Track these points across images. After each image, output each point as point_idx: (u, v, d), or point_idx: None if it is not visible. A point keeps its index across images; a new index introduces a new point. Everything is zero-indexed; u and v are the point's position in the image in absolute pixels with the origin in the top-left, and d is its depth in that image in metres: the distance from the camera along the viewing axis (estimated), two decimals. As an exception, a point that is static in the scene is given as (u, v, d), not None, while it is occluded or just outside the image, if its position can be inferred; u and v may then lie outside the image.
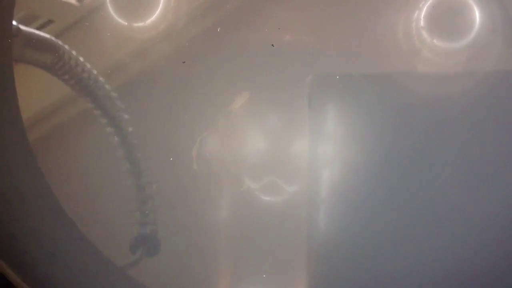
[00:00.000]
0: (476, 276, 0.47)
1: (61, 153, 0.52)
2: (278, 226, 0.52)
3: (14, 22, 0.49)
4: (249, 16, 0.53)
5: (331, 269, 0.50)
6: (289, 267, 0.52)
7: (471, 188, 0.49)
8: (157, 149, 0.53)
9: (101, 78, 0.52)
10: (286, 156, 0.53)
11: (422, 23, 0.51)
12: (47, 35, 0.51)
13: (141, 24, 0.52)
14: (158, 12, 0.51)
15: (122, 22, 0.51)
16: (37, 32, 0.51)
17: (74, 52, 0.51)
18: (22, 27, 0.49)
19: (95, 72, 0.52)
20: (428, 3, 0.51)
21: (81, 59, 0.52)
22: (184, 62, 0.50)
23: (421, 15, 0.51)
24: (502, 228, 0.48)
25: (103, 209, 0.52)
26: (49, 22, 0.53)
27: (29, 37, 0.49)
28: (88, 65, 0.52)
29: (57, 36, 0.52)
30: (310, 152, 0.52)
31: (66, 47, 0.51)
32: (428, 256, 0.48)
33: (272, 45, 0.51)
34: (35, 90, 0.52)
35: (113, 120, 0.52)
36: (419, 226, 0.49)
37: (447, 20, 0.51)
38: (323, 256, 0.50)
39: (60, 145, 0.53)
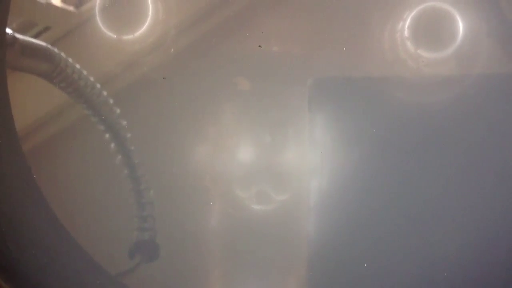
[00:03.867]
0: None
1: (59, 160, 0.53)
2: (269, 233, 0.53)
3: (9, 31, 0.49)
4: (236, 28, 0.53)
5: (321, 275, 0.51)
6: (278, 272, 0.53)
7: (463, 194, 0.49)
8: (154, 156, 0.54)
9: (98, 85, 0.52)
10: (275, 166, 0.54)
11: (406, 33, 0.51)
12: (43, 43, 0.51)
13: (130, 36, 0.52)
14: (146, 25, 0.52)
15: (111, 34, 0.52)
16: (33, 40, 0.51)
17: (70, 60, 0.52)
18: (18, 35, 0.49)
19: (92, 79, 0.52)
20: (412, 14, 0.51)
21: (78, 66, 0.52)
22: (164, 78, 0.51)
23: (405, 25, 0.51)
24: (493, 235, 0.49)
25: (101, 216, 0.53)
26: (46, 29, 0.53)
27: (26, 45, 0.50)
28: (85, 72, 0.52)
29: (53, 43, 0.52)
30: (298, 162, 0.53)
31: (63, 54, 0.52)
32: (421, 263, 0.48)
33: (260, 46, 0.52)
34: (32, 98, 0.53)
35: (110, 127, 0.52)
36: (411, 233, 0.50)
37: (430, 30, 0.50)
38: (313, 262, 0.51)
39: (58, 152, 0.54)
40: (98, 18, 0.51)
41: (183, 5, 0.53)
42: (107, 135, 0.52)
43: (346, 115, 0.51)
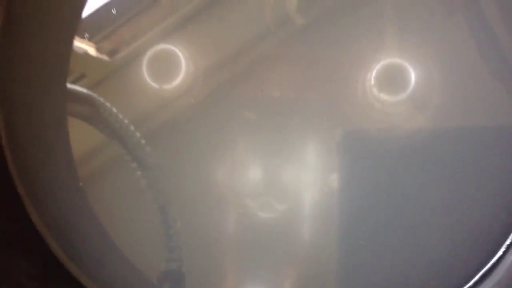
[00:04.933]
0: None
1: (99, 192, 0.57)
2: (273, 235, 0.64)
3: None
4: (246, 77, 0.63)
5: (314, 269, 0.63)
6: (280, 269, 0.63)
7: (425, 218, 0.63)
8: (180, 190, 0.61)
9: (131, 127, 0.58)
10: (277, 183, 0.65)
11: (372, 82, 0.64)
12: (86, 91, 0.55)
13: (169, 86, 0.60)
14: (181, 76, 0.60)
15: (154, 84, 0.59)
16: (78, 88, 0.55)
17: (108, 104, 0.56)
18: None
19: (126, 121, 0.57)
20: (377, 67, 0.63)
21: (114, 110, 0.57)
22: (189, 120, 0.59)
23: (372, 76, 0.64)
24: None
25: (134, 244, 0.58)
26: (82, 76, 0.57)
27: (71, 93, 0.53)
28: (120, 116, 0.57)
29: (90, 88, 0.56)
30: (295, 180, 0.64)
31: (102, 99, 0.56)
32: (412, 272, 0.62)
33: (262, 90, 0.63)
34: (74, 137, 0.56)
35: (142, 165, 0.58)
36: (399, 237, 0.63)
37: (390, 79, 0.63)
38: (307, 259, 0.62)
39: (96, 185, 0.58)
40: (144, 69, 0.57)
41: (207, 61, 0.62)
42: (139, 172, 0.58)
43: (332, 142, 0.64)
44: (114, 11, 0.59)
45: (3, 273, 0.51)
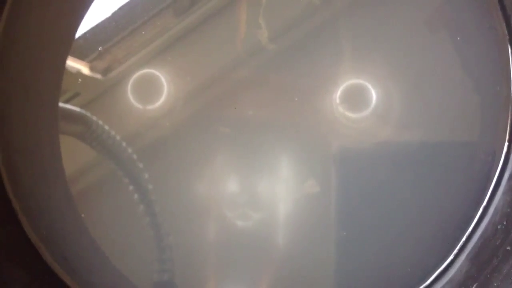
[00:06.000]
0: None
1: (91, 208, 0.58)
2: (249, 241, 0.67)
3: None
4: (223, 99, 0.67)
5: (287, 273, 0.67)
6: (256, 272, 0.67)
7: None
8: (172, 204, 0.63)
9: (123, 143, 0.59)
10: (253, 194, 0.69)
11: (338, 101, 0.69)
12: (78, 109, 0.56)
13: (151, 106, 0.63)
14: (163, 97, 0.63)
15: (138, 105, 0.62)
16: (70, 107, 0.55)
17: (100, 122, 0.58)
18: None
19: (118, 138, 0.59)
20: (341, 88, 0.69)
21: (106, 127, 0.58)
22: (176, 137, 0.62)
23: (337, 95, 0.69)
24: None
25: (126, 256, 0.59)
26: (76, 94, 0.58)
27: (64, 111, 0.54)
28: (113, 132, 0.58)
29: (83, 107, 0.57)
30: (270, 191, 0.69)
31: (94, 118, 0.57)
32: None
33: (235, 108, 0.67)
34: (67, 154, 0.57)
35: (134, 179, 0.59)
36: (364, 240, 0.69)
37: (353, 98, 0.69)
38: (280, 263, 0.66)
39: (89, 200, 0.59)
40: (129, 92, 0.59)
41: (186, 85, 0.65)
42: (131, 187, 0.59)
43: (302, 153, 0.70)
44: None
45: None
